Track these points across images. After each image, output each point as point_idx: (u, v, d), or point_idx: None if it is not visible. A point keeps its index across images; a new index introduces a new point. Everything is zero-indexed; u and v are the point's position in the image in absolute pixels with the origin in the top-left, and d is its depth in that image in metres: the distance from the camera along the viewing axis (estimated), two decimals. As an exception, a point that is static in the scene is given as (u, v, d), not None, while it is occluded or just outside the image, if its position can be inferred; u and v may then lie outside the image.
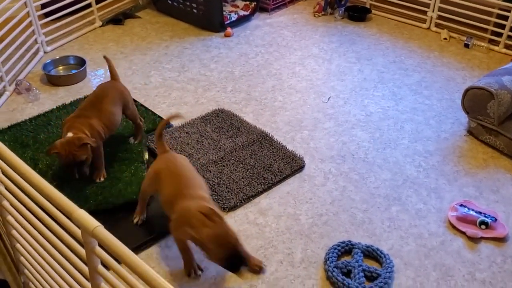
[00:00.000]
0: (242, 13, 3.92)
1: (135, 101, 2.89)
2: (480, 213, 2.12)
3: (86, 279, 1.01)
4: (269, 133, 2.63)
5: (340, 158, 2.50)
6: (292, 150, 2.50)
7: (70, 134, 2.07)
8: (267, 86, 3.10)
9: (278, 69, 3.30)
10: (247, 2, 4.01)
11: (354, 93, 3.05)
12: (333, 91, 3.06)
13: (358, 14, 3.99)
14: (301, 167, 2.41)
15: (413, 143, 2.61)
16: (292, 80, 3.18)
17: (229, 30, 3.72)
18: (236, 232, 1.70)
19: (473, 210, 2.14)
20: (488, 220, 2.07)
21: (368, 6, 4.10)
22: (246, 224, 2.11)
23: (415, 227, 2.09)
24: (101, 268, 0.94)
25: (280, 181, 2.32)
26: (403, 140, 2.63)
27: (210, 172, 2.33)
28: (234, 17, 3.83)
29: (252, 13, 3.97)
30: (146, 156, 2.41)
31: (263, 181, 2.29)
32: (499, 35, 3.50)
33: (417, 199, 2.24)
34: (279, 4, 4.20)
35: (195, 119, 2.73)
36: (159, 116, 2.74)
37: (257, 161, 2.41)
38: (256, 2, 3.97)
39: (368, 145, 2.60)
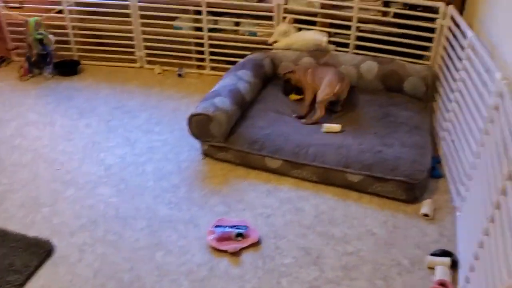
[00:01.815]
0: None
1: None
2: (234, 226, 2.30)
3: None
4: (0, 226, 2.29)
5: (91, 224, 2.36)
6: (34, 236, 2.24)
7: None
8: (-15, 172, 2.71)
9: (-6, 148, 2.92)
10: None
11: (88, 150, 2.93)
12: (64, 154, 2.87)
13: (69, 69, 3.85)
14: (49, 251, 2.17)
15: (158, 182, 2.66)
16: (14, 155, 2.85)
17: None
18: None
19: (227, 226, 2.30)
20: (242, 230, 2.26)
21: (76, 58, 4.00)
22: None
23: (183, 265, 2.13)
24: None
25: (29, 277, 2.04)
26: (148, 183, 2.65)
27: None
28: None
29: None
30: None
31: (8, 286, 1.97)
32: (204, 60, 3.87)
33: (177, 236, 2.29)
34: (-25, 75, 3.72)
35: None
36: None
37: (-5, 263, 2.07)
38: None
39: (117, 199, 2.53)
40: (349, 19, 3.31)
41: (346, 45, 3.41)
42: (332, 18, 3.37)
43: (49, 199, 2.51)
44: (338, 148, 2.61)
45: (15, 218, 2.37)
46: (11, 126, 3.15)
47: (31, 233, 2.27)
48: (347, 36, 3.38)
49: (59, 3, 3.78)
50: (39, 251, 2.14)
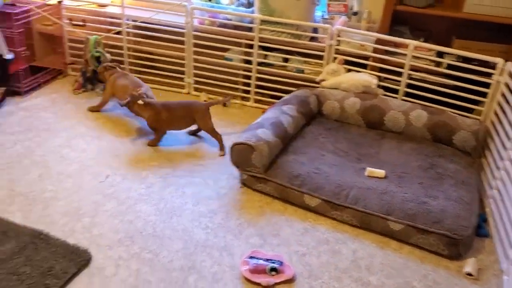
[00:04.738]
0: (-12, 99, 3.49)
1: None
2: (268, 260, 2.27)
3: None
4: (43, 231, 2.33)
5: (128, 240, 2.38)
6: (74, 244, 2.27)
7: None
8: (33, 177, 2.79)
9: (43, 155, 3.01)
10: (-7, 87, 3.60)
11: (131, 166, 2.98)
12: (109, 168, 2.94)
13: (120, 87, 3.98)
14: (87, 261, 2.19)
15: (196, 205, 2.67)
16: (61, 165, 2.93)
17: (-26, 120, 3.25)
18: None
19: (261, 259, 2.27)
20: (276, 265, 2.22)
21: (128, 77, 4.13)
22: None
23: (215, 292, 2.11)
24: None
25: (66, 284, 2.06)
26: (187, 205, 2.67)
27: (-27, 297, 1.92)
28: (-22, 105, 3.38)
29: (1, 100, 3.57)
30: None
31: (44, 289, 2.00)
32: (248, 92, 3.94)
33: (211, 262, 2.28)
34: (34, 85, 3.88)
35: None
36: None
37: (34, 267, 2.10)
38: (5, 88, 3.59)
39: (155, 218, 2.55)
40: (401, 65, 3.31)
41: (395, 91, 3.41)
42: (383, 63, 3.39)
43: (90, 210, 2.55)
44: (382, 194, 2.57)
45: (57, 224, 2.42)
46: (61, 137, 3.25)
47: (71, 241, 2.31)
48: (397, 82, 3.38)
49: (118, 25, 3.95)
50: (78, 259, 2.17)
